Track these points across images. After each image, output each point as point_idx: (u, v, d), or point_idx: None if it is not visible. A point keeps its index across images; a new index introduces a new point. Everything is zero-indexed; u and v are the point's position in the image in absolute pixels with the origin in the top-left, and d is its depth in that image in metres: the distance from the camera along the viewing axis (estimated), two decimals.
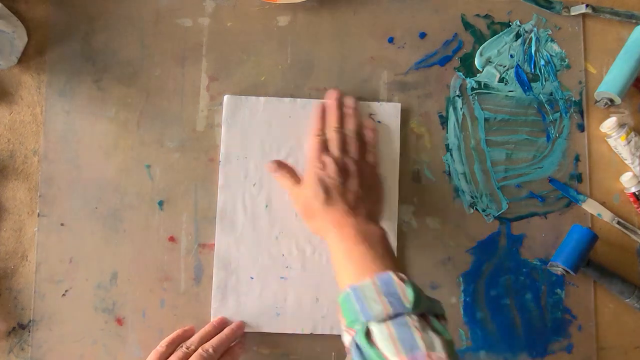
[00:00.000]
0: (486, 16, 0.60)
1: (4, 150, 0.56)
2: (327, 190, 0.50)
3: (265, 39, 0.59)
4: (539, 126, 0.59)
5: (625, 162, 0.59)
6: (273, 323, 0.55)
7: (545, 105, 0.59)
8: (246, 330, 0.54)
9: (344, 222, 0.48)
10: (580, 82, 0.60)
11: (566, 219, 0.58)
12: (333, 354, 0.55)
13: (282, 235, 0.56)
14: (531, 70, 0.60)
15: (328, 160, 0.51)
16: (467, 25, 0.60)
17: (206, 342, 0.50)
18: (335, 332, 0.55)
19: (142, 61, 0.58)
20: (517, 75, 0.60)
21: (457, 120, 0.59)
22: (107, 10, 0.58)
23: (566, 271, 0.55)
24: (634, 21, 0.60)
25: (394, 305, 0.40)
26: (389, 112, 0.58)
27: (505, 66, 0.60)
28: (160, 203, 0.56)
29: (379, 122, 0.57)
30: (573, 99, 0.60)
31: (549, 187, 0.59)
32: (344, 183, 0.50)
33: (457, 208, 0.58)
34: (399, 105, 0.58)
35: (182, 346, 0.50)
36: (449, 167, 0.58)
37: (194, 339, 0.51)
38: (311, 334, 0.55)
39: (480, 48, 0.60)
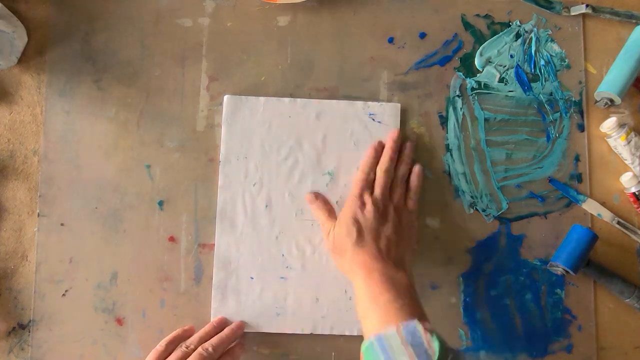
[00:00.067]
0: (486, 16, 0.60)
1: (4, 150, 0.56)
2: (360, 231, 0.50)
3: (265, 39, 0.59)
4: (539, 126, 0.59)
5: (625, 162, 0.59)
6: (273, 323, 0.55)
7: (545, 105, 0.59)
8: (246, 330, 0.54)
9: (373, 267, 0.48)
10: (580, 82, 0.60)
11: (566, 219, 0.58)
12: (333, 354, 0.55)
13: (282, 235, 0.56)
14: (531, 70, 0.60)
15: (368, 201, 0.51)
16: (467, 25, 0.60)
17: (206, 341, 0.50)
18: (335, 332, 0.55)
19: (142, 61, 0.58)
20: (517, 75, 0.60)
21: (457, 120, 0.59)
22: (107, 10, 0.58)
23: (566, 271, 0.55)
24: (634, 21, 0.60)
25: (420, 356, 0.39)
26: (389, 112, 0.58)
27: (505, 66, 0.60)
28: (160, 203, 0.56)
29: (379, 122, 0.57)
30: (573, 99, 0.60)
31: (549, 187, 0.59)
32: (379, 227, 0.50)
33: (457, 208, 0.58)
34: (398, 105, 0.58)
35: (181, 345, 0.50)
36: (449, 167, 0.58)
37: (194, 338, 0.51)
38: (311, 334, 0.55)
39: (480, 48, 0.60)
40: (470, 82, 0.59)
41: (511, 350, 0.56)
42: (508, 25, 0.60)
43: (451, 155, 0.58)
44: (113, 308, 0.55)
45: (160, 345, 0.50)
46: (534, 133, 0.59)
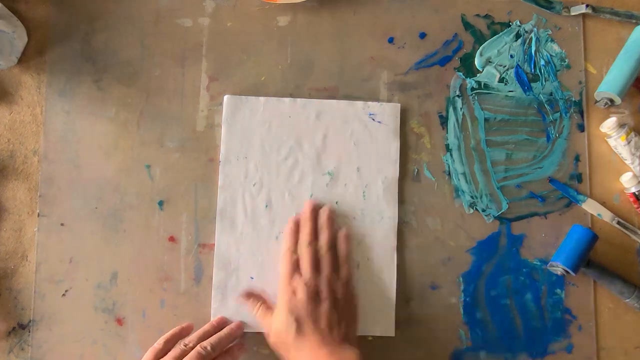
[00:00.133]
0: (486, 16, 0.60)
1: (4, 150, 0.56)
2: (298, 322, 0.48)
3: (265, 39, 0.59)
4: (539, 126, 0.59)
5: (625, 162, 0.59)
6: None
7: (545, 105, 0.59)
8: (246, 330, 0.54)
9: (319, 354, 0.47)
10: (580, 82, 0.60)
11: (566, 219, 0.58)
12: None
13: (282, 235, 0.56)
14: (531, 70, 0.60)
15: (299, 285, 0.50)
16: (467, 25, 0.60)
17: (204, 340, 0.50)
18: None
19: (142, 61, 0.58)
20: (517, 75, 0.60)
21: (457, 120, 0.59)
22: (107, 10, 0.58)
23: (566, 271, 0.55)
24: (634, 21, 0.60)
25: None
26: (389, 112, 0.58)
27: (505, 66, 0.60)
28: (160, 203, 0.56)
29: (379, 122, 0.57)
30: (573, 99, 0.60)
31: (549, 187, 0.59)
32: (316, 310, 0.49)
33: (457, 208, 0.58)
34: (398, 105, 0.58)
35: (180, 343, 0.50)
36: (449, 167, 0.58)
37: (193, 337, 0.50)
38: None
39: (480, 48, 0.60)
40: (470, 82, 0.59)
41: (511, 350, 0.56)
42: (508, 25, 0.60)
43: (451, 155, 0.58)
44: (113, 308, 0.55)
45: (158, 343, 0.50)
46: (534, 133, 0.59)
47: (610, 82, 0.58)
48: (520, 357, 0.56)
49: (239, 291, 0.55)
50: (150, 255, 0.55)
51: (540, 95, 0.59)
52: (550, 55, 0.60)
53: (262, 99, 0.57)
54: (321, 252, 0.52)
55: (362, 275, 0.56)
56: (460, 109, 0.59)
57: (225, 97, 0.57)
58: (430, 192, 0.58)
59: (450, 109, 0.59)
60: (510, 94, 0.59)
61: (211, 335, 0.51)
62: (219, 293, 0.55)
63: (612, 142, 0.58)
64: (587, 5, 0.60)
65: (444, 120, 0.59)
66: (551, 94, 0.60)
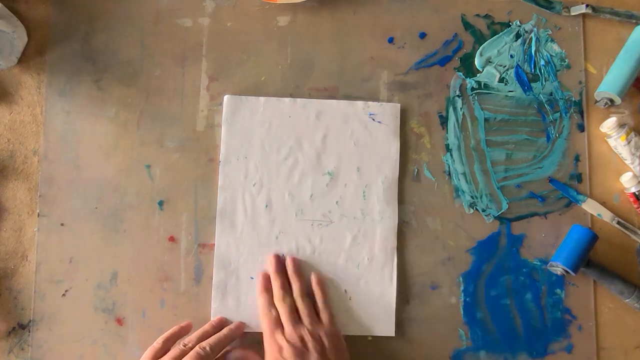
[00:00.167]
0: (486, 16, 0.60)
1: (4, 150, 0.56)
2: None
3: (265, 39, 0.59)
4: (539, 126, 0.59)
5: (625, 162, 0.59)
6: None
7: (545, 105, 0.59)
8: (246, 330, 0.54)
9: None
10: (580, 82, 0.60)
11: (566, 219, 0.58)
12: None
13: (282, 235, 0.56)
14: (531, 70, 0.60)
15: (283, 343, 0.49)
16: (467, 25, 0.60)
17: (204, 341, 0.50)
18: None
19: (142, 61, 0.58)
20: (517, 75, 0.60)
21: (457, 120, 0.59)
22: (107, 10, 0.58)
23: (566, 271, 0.55)
24: (634, 21, 0.60)
25: None
26: (389, 112, 0.58)
27: (505, 66, 0.60)
28: (160, 203, 0.56)
29: (379, 122, 0.57)
30: (573, 99, 0.60)
31: (549, 187, 0.59)
32: None
33: (457, 208, 0.58)
34: (398, 105, 0.58)
35: (179, 343, 0.50)
36: (449, 167, 0.58)
37: (192, 337, 0.50)
38: None
39: (480, 48, 0.60)
40: (470, 82, 0.59)
41: (511, 350, 0.56)
42: (508, 25, 0.60)
43: (451, 155, 0.58)
44: (113, 308, 0.55)
45: (157, 343, 0.50)
46: (534, 133, 0.59)
47: (610, 82, 0.58)
48: (520, 357, 0.56)
49: (239, 291, 0.55)
50: (150, 255, 0.55)
51: (540, 95, 0.59)
52: (550, 55, 0.60)
53: (262, 99, 0.57)
54: (297, 303, 0.52)
55: (362, 275, 0.56)
56: (460, 109, 0.59)
57: (225, 97, 0.57)
58: (430, 192, 0.58)
59: (450, 109, 0.59)
60: (510, 94, 0.59)
61: (211, 336, 0.51)
62: (219, 293, 0.55)
63: (612, 142, 0.58)
64: (587, 5, 0.60)
65: (444, 120, 0.59)
66: (551, 94, 0.60)
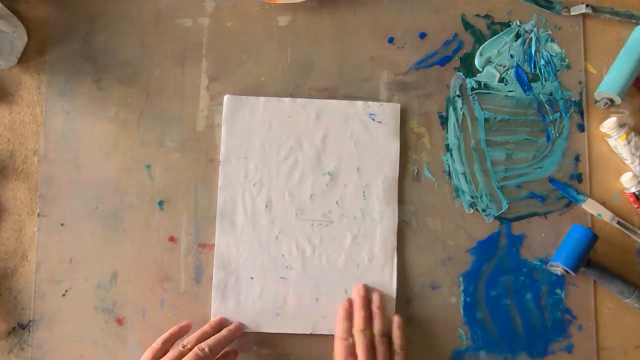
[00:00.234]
0: (486, 16, 0.60)
1: (4, 150, 0.56)
2: None
3: (265, 39, 0.59)
4: (539, 126, 0.59)
5: (625, 162, 0.59)
6: (273, 323, 0.55)
7: (545, 105, 0.59)
8: (246, 330, 0.54)
9: None
10: (580, 82, 0.60)
11: (566, 219, 0.58)
12: (333, 354, 0.55)
13: (282, 235, 0.56)
14: (531, 70, 0.60)
15: None
16: (467, 25, 0.60)
17: (203, 341, 0.50)
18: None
19: (142, 61, 0.58)
20: (517, 75, 0.60)
21: (457, 120, 0.59)
22: (107, 10, 0.58)
23: (566, 271, 0.55)
24: (634, 21, 0.60)
25: None
26: (388, 112, 0.58)
27: (505, 66, 0.60)
28: (160, 203, 0.56)
29: (379, 122, 0.57)
30: (573, 99, 0.60)
31: (549, 187, 0.59)
32: None
33: (457, 208, 0.58)
34: (398, 105, 0.58)
35: (178, 344, 0.50)
36: (449, 167, 0.58)
37: (191, 338, 0.50)
38: (311, 334, 0.55)
39: (480, 48, 0.60)
40: (470, 82, 0.59)
41: (511, 350, 0.56)
42: (508, 25, 0.60)
43: (451, 155, 0.58)
44: (113, 308, 0.55)
45: (157, 344, 0.50)
46: (534, 133, 0.59)
47: (610, 82, 0.58)
48: (520, 357, 0.56)
49: (239, 291, 0.55)
50: (150, 255, 0.55)
51: (540, 95, 0.59)
52: (550, 55, 0.60)
53: (262, 99, 0.57)
54: (377, 339, 0.51)
55: (362, 275, 0.56)
56: (460, 109, 0.59)
57: (225, 97, 0.57)
58: (430, 192, 0.58)
59: (450, 109, 0.59)
60: (510, 94, 0.59)
61: (210, 336, 0.51)
62: (219, 293, 0.55)
63: (612, 142, 0.58)
64: (587, 5, 0.60)
65: (444, 120, 0.59)
66: (551, 94, 0.60)
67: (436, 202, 0.58)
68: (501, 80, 0.59)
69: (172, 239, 0.56)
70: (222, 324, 0.53)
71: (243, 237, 0.56)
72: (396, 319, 0.53)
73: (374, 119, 0.58)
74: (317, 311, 0.55)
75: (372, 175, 0.57)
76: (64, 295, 0.55)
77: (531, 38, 0.60)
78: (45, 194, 0.56)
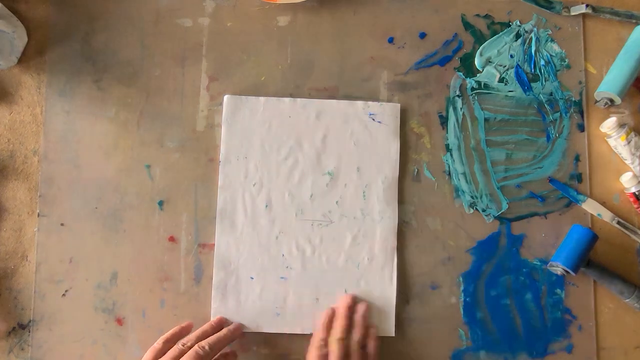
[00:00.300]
0: (486, 16, 0.60)
1: (4, 150, 0.56)
2: None
3: (265, 39, 0.59)
4: (539, 126, 0.59)
5: (625, 162, 0.59)
6: (273, 323, 0.55)
7: (545, 105, 0.59)
8: (246, 330, 0.54)
9: None
10: (580, 82, 0.60)
11: (566, 219, 0.58)
12: None
13: (282, 235, 0.56)
14: (531, 70, 0.60)
15: None
16: (467, 25, 0.60)
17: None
18: None
19: (142, 61, 0.58)
20: (517, 75, 0.60)
21: (457, 120, 0.59)
22: (107, 10, 0.58)
23: (566, 271, 0.55)
24: (634, 21, 0.60)
25: None
26: (389, 112, 0.58)
27: (505, 66, 0.60)
28: (160, 203, 0.56)
29: (379, 122, 0.57)
30: (573, 99, 0.60)
31: (549, 187, 0.59)
32: None
33: (457, 208, 0.58)
34: (398, 105, 0.58)
35: (178, 343, 0.49)
36: (449, 167, 0.58)
37: (191, 336, 0.50)
38: (311, 334, 0.55)
39: (480, 48, 0.60)
40: (470, 82, 0.59)
41: (511, 350, 0.56)
42: (508, 25, 0.60)
43: (451, 155, 0.58)
44: (113, 308, 0.55)
45: (158, 343, 0.50)
46: (534, 133, 0.59)
47: (610, 82, 0.58)
48: (520, 357, 0.56)
49: (239, 291, 0.55)
50: (150, 255, 0.55)
51: (540, 95, 0.59)
52: (550, 55, 0.60)
53: (262, 99, 0.57)
54: (353, 349, 0.51)
55: (362, 275, 0.56)
56: (460, 109, 0.59)
57: (225, 97, 0.57)
58: (430, 192, 0.58)
59: (450, 109, 0.59)
60: (510, 94, 0.59)
61: (209, 335, 0.51)
62: (219, 293, 0.55)
63: (612, 142, 0.58)
64: (587, 5, 0.60)
65: (444, 120, 0.59)
66: (551, 94, 0.60)
67: (436, 202, 0.58)
68: (501, 80, 0.59)
69: (172, 239, 0.56)
70: (222, 323, 0.53)
71: (243, 237, 0.56)
72: (372, 330, 0.54)
73: (374, 119, 0.58)
74: (317, 311, 0.55)
75: (372, 175, 0.57)
76: (64, 295, 0.55)
77: (531, 38, 0.60)
78: (45, 194, 0.56)
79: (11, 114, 0.57)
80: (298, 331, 0.55)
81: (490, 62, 0.60)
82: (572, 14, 0.60)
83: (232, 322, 0.54)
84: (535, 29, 0.60)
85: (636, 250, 0.59)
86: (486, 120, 0.59)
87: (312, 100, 0.58)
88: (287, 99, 0.57)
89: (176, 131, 0.57)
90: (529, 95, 0.59)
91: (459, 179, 0.58)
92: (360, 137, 0.57)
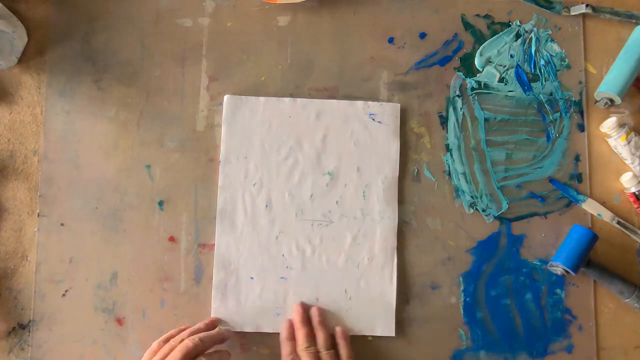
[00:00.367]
0: (486, 16, 0.60)
1: (4, 150, 0.56)
2: None
3: (265, 39, 0.59)
4: (539, 126, 0.59)
5: (625, 162, 0.59)
6: (273, 323, 0.55)
7: (545, 105, 0.59)
8: (246, 330, 0.54)
9: None
10: (580, 82, 0.60)
11: (566, 219, 0.58)
12: None
13: (282, 235, 0.56)
14: (531, 70, 0.60)
15: None
16: (467, 25, 0.60)
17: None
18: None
19: (142, 61, 0.58)
20: (517, 75, 0.60)
21: (457, 120, 0.59)
22: (107, 10, 0.58)
23: (566, 271, 0.55)
24: (634, 21, 0.60)
25: None
26: (389, 112, 0.58)
27: (505, 66, 0.60)
28: (160, 203, 0.56)
29: (379, 122, 0.57)
30: (573, 99, 0.60)
31: (549, 187, 0.59)
32: None
33: (457, 208, 0.58)
34: (398, 105, 0.58)
35: (170, 341, 0.49)
36: (449, 167, 0.58)
37: (184, 333, 0.50)
38: None
39: (480, 48, 0.60)
40: (470, 82, 0.59)
41: (511, 350, 0.56)
42: (508, 25, 0.60)
43: (451, 155, 0.58)
44: (113, 308, 0.55)
45: (155, 345, 0.49)
46: (534, 133, 0.59)
47: (610, 82, 0.58)
48: (520, 357, 0.56)
49: (239, 291, 0.55)
50: (150, 255, 0.55)
51: (540, 95, 0.59)
52: (550, 55, 0.60)
53: (262, 99, 0.57)
54: (322, 353, 0.51)
55: (362, 275, 0.56)
56: (460, 109, 0.59)
57: (225, 97, 0.57)
58: (430, 192, 0.58)
59: (450, 109, 0.59)
60: (510, 94, 0.59)
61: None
62: (219, 293, 0.55)
63: (612, 142, 0.58)
64: (587, 5, 0.60)
65: (444, 120, 0.59)
66: (551, 94, 0.60)
67: (436, 202, 0.58)
68: (501, 80, 0.59)
69: (172, 239, 0.56)
70: (215, 324, 0.53)
71: (243, 237, 0.56)
72: (338, 330, 0.53)
73: (374, 119, 0.58)
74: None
75: (372, 175, 0.57)
76: (64, 295, 0.55)
77: (531, 38, 0.60)
78: (45, 194, 0.56)
79: (11, 114, 0.57)
80: None
81: (490, 62, 0.60)
82: (572, 14, 0.60)
83: (227, 325, 0.54)
84: (535, 29, 0.60)
85: (636, 250, 0.59)
86: (486, 120, 0.59)
87: (312, 100, 0.58)
88: (287, 99, 0.57)
89: (176, 131, 0.57)
90: (529, 95, 0.59)
91: (459, 179, 0.58)
92: (360, 137, 0.57)
